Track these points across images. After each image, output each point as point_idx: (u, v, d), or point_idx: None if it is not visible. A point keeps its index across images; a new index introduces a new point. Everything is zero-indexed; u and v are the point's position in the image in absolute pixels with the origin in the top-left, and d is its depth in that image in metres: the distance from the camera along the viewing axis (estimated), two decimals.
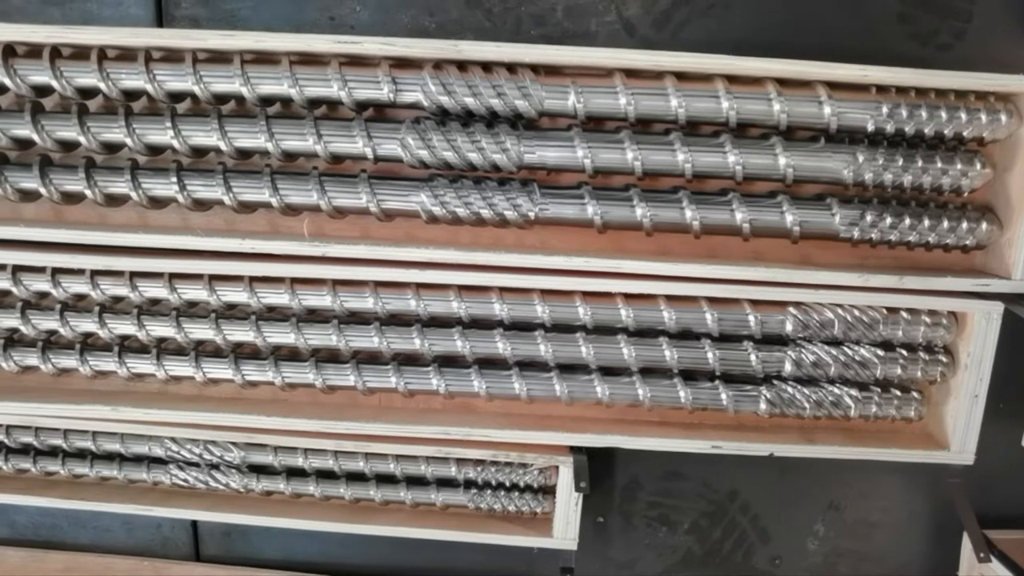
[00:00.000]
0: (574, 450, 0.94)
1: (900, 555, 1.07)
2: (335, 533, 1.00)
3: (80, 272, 0.90)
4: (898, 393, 0.91)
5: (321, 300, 0.89)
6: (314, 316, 0.92)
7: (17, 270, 0.91)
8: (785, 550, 1.08)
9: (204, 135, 0.83)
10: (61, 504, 0.99)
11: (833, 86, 0.80)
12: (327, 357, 0.93)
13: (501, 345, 0.89)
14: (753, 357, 0.88)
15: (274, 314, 0.92)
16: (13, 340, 0.95)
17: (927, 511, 1.06)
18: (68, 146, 0.87)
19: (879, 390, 0.90)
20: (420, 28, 0.90)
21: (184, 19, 0.93)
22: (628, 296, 0.87)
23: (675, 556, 1.08)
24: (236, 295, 0.89)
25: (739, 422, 0.95)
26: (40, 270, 0.91)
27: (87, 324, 0.92)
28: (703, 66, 0.79)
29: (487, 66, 0.81)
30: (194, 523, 1.11)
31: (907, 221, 0.83)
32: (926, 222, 0.84)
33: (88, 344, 0.95)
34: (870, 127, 0.81)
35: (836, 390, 0.90)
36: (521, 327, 0.90)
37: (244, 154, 0.85)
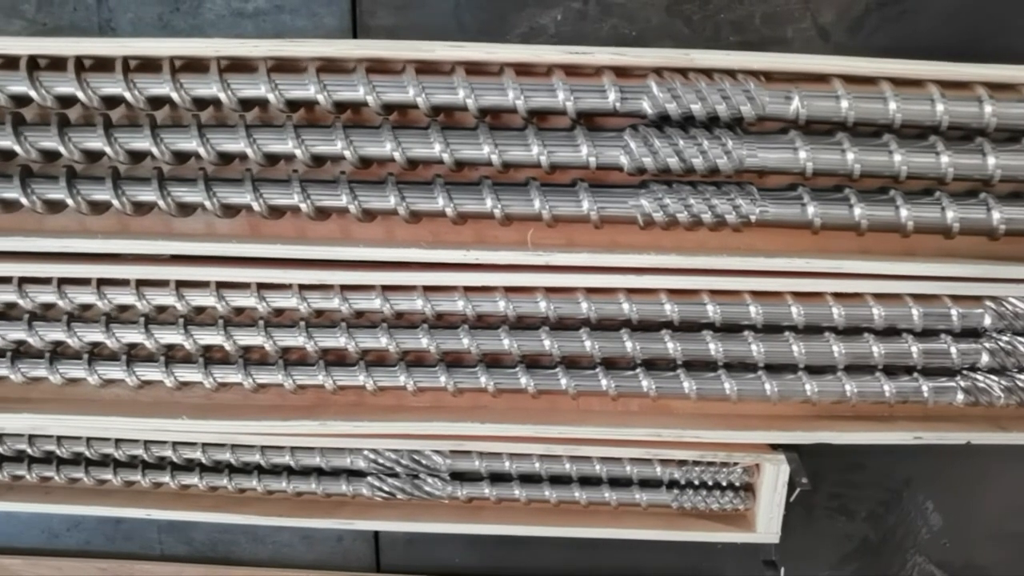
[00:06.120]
0: (779, 447, 0.96)
1: None
2: (515, 537, 1.01)
3: (287, 287, 0.90)
4: None
5: (534, 307, 0.90)
6: (522, 323, 0.92)
7: (220, 286, 0.90)
8: (954, 533, 1.12)
9: (424, 147, 0.84)
10: (260, 521, 0.96)
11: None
12: (533, 362, 0.94)
13: (712, 347, 0.91)
14: (953, 350, 0.91)
15: (481, 322, 0.93)
16: (210, 358, 0.94)
17: None
18: (273, 159, 0.86)
19: None
20: (620, 36, 0.91)
21: (379, 29, 0.93)
22: (837, 295, 0.90)
23: (852, 544, 1.11)
24: (450, 304, 0.89)
25: (926, 412, 0.98)
26: (244, 286, 0.90)
27: (291, 338, 0.92)
28: (919, 72, 0.82)
29: (707, 72, 0.83)
30: (376, 533, 1.10)
31: None
32: None
33: (287, 359, 0.94)
34: None
35: None
36: (731, 328, 0.92)
37: (460, 164, 0.86)
